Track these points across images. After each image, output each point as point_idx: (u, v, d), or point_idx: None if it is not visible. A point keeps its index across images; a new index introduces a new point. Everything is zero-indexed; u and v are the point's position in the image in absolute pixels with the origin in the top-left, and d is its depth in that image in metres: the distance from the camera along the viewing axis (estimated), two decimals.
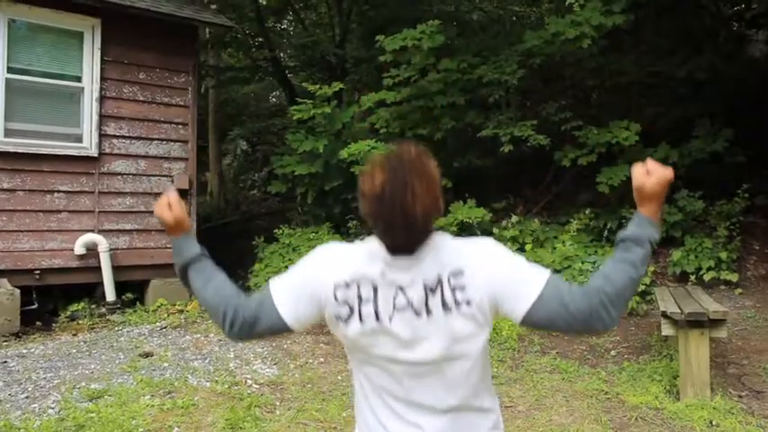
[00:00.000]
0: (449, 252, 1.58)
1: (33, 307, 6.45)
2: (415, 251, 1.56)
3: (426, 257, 1.56)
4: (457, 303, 1.53)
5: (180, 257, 1.74)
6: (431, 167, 1.58)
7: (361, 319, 1.58)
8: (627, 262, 1.53)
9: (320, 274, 1.62)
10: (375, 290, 1.57)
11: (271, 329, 1.66)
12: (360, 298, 1.58)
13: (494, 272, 1.56)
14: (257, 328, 1.66)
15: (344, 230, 8.78)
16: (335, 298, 1.59)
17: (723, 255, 7.46)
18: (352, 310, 1.58)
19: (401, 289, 1.56)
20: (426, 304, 1.55)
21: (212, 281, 1.71)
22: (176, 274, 1.80)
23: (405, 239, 1.55)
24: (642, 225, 1.58)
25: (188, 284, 1.74)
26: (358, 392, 1.71)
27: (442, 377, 1.59)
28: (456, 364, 1.58)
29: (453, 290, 1.54)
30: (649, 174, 1.60)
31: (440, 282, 1.55)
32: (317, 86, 8.66)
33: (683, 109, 9.08)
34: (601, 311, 1.49)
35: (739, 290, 7.39)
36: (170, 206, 1.73)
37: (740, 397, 4.72)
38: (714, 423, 4.19)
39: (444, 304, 1.54)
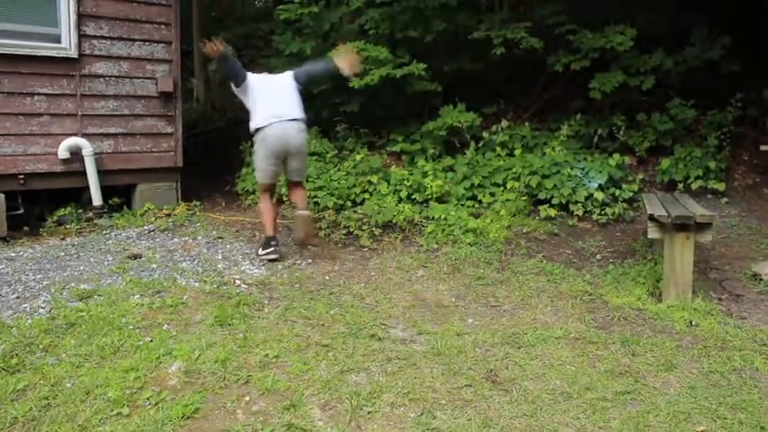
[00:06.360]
0: None
1: (19, 212, 6.40)
2: None
3: None
4: None
5: None
6: None
7: None
8: None
9: None
10: None
11: None
12: None
13: None
14: None
15: (333, 135, 8.68)
16: None
17: (712, 164, 7.46)
18: None
19: None
20: None
21: None
22: None
23: None
24: None
25: None
26: None
27: None
28: None
29: None
30: None
31: None
32: None
33: (681, 15, 8.83)
34: None
35: (725, 199, 7.44)
36: None
37: (720, 300, 4.81)
38: (694, 323, 4.28)
39: None
